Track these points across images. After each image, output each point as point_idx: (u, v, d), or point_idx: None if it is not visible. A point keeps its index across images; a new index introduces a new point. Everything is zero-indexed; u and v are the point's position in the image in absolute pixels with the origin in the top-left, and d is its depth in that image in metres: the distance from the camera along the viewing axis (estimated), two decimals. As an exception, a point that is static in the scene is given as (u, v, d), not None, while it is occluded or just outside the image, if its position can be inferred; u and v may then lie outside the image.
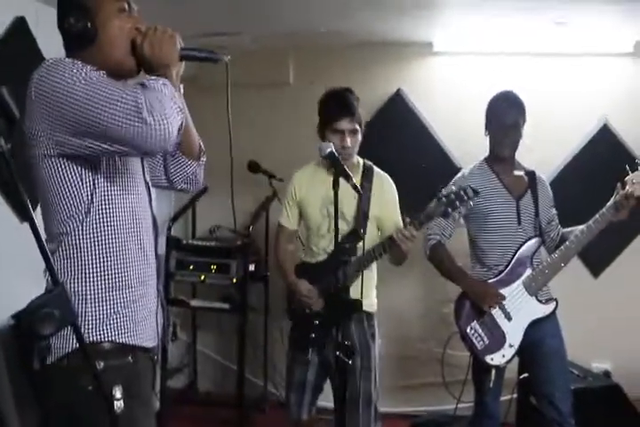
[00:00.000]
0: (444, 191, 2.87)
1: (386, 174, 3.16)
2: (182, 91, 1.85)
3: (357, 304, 2.92)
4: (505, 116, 3.11)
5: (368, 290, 2.99)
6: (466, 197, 2.82)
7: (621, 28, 3.89)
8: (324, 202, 3.03)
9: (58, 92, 1.62)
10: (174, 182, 2.06)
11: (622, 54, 4.24)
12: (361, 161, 3.15)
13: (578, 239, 3.03)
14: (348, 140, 2.97)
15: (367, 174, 3.09)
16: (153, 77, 1.71)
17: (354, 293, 2.96)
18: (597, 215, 3.00)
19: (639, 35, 4.05)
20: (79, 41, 1.77)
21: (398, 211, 3.12)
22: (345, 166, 2.60)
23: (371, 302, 3.08)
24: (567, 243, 3.05)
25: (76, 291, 1.73)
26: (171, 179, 2.05)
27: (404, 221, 2.88)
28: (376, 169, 3.15)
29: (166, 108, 1.62)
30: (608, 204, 2.99)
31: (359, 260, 2.95)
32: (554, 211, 3.29)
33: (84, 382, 1.64)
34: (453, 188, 2.87)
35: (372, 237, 3.03)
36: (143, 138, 1.60)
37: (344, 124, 2.97)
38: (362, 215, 3.01)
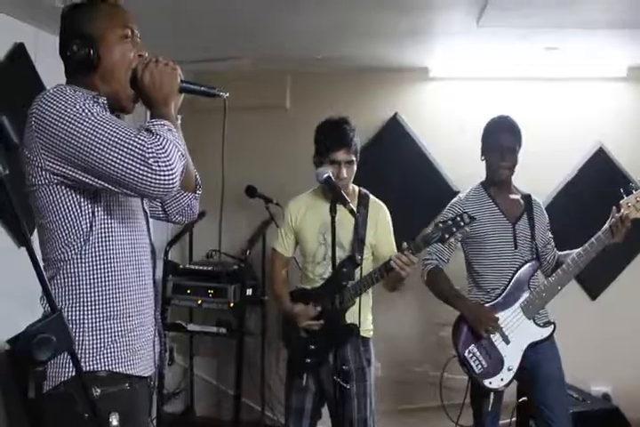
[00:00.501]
0: (440, 217, 2.91)
1: (381, 202, 3.18)
2: (180, 121, 1.85)
3: (354, 329, 2.92)
4: (502, 140, 3.15)
5: (364, 315, 2.98)
6: (462, 223, 2.84)
7: (614, 52, 3.94)
8: (320, 230, 3.05)
9: (58, 124, 1.61)
10: (169, 215, 2.07)
11: (615, 79, 4.29)
12: (356, 189, 3.17)
13: (574, 262, 3.04)
14: (344, 171, 2.98)
15: (363, 202, 3.10)
16: (157, 121, 1.70)
17: (350, 318, 2.95)
18: (593, 239, 3.01)
19: (632, 59, 4.10)
20: (81, 68, 1.77)
21: (393, 238, 3.14)
22: (342, 191, 2.62)
23: (367, 328, 3.08)
24: (564, 266, 3.06)
25: (74, 319, 1.71)
26: (166, 211, 2.06)
27: (401, 246, 2.88)
28: (371, 197, 3.16)
29: (171, 156, 1.62)
30: (604, 227, 3.00)
31: (356, 285, 2.95)
32: (550, 234, 3.30)
33: (79, 409, 1.62)
34: (450, 214, 2.91)
35: (367, 263, 3.04)
36: (147, 185, 1.60)
37: (340, 156, 2.98)
38: (358, 241, 3.02)
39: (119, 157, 1.58)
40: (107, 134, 1.59)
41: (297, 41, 3.82)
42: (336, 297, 2.91)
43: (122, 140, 1.59)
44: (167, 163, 1.60)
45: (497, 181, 3.21)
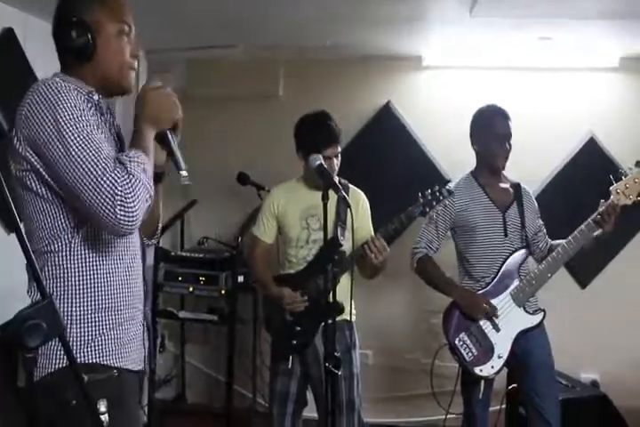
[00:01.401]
0: (420, 193, 2.97)
1: (361, 192, 3.26)
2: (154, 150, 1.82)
3: (339, 305, 2.94)
4: (500, 127, 3.16)
5: (345, 299, 3.01)
6: (441, 197, 2.94)
7: (606, 43, 3.94)
8: (302, 215, 3.12)
9: (45, 128, 1.61)
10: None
11: (608, 69, 4.29)
12: (336, 178, 3.19)
13: (564, 250, 3.06)
14: (335, 164, 3.06)
15: (344, 190, 3.14)
16: (135, 157, 1.67)
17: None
18: (582, 226, 3.03)
19: (624, 50, 4.11)
20: (76, 56, 1.76)
21: (371, 225, 3.21)
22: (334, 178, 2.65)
23: (348, 311, 3.09)
24: (554, 254, 3.08)
25: (62, 311, 1.70)
26: None
27: (377, 231, 3.00)
28: (352, 186, 3.24)
29: (138, 200, 1.61)
30: (593, 214, 3.01)
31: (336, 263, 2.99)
32: (540, 222, 3.32)
33: (67, 396, 1.62)
34: (429, 189, 2.96)
35: (348, 245, 3.05)
36: (106, 223, 1.61)
37: (330, 151, 3.04)
38: (340, 223, 3.08)
39: (89, 185, 1.58)
40: (87, 156, 1.60)
41: (290, 30, 3.80)
42: (320, 278, 2.93)
43: (97, 169, 1.59)
44: (132, 208, 1.60)
45: (495, 169, 3.21)
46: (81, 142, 1.60)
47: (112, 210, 1.58)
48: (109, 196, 1.58)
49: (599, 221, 2.99)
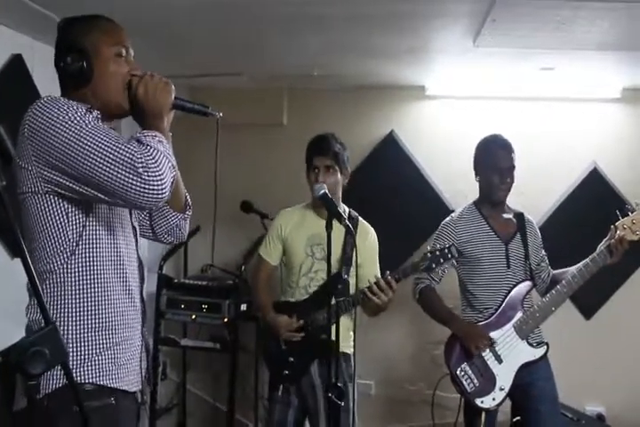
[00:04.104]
0: (429, 248, 3.02)
1: (370, 226, 3.24)
2: (171, 139, 1.86)
3: (332, 345, 2.92)
4: (502, 160, 3.15)
5: (344, 332, 2.99)
6: (449, 255, 2.94)
7: (609, 74, 3.98)
8: (308, 242, 3.10)
9: (50, 132, 1.63)
10: (158, 234, 2.06)
11: (610, 100, 4.33)
12: (347, 210, 3.21)
13: (569, 283, 3.05)
14: (321, 176, 3.05)
15: (352, 223, 3.11)
16: (148, 132, 1.71)
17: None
18: (588, 259, 3.03)
19: (626, 81, 4.14)
20: (75, 81, 1.78)
21: (377, 263, 3.19)
22: (338, 208, 2.66)
23: (348, 344, 3.07)
24: (558, 287, 3.06)
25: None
26: (155, 230, 2.05)
27: (383, 273, 2.96)
28: (361, 220, 3.23)
29: (161, 166, 1.63)
30: (600, 248, 3.02)
31: (336, 305, 2.97)
32: (543, 252, 3.31)
33: (62, 424, 1.62)
34: (438, 245, 3.01)
35: (353, 281, 3.05)
36: (136, 194, 1.61)
37: (318, 160, 3.07)
38: (345, 260, 3.06)
39: (108, 165, 1.59)
40: (97, 142, 1.61)
41: (295, 59, 3.84)
42: (320, 312, 2.96)
43: (111, 148, 1.60)
44: (157, 173, 1.61)
45: (496, 201, 3.21)
46: (88, 130, 1.62)
47: (138, 177, 1.59)
48: (130, 164, 1.59)
49: (606, 256, 3.00)
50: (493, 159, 3.17)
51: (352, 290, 3.01)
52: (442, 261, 2.94)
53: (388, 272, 2.94)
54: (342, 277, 3.04)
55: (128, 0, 2.74)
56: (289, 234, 3.18)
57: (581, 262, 3.05)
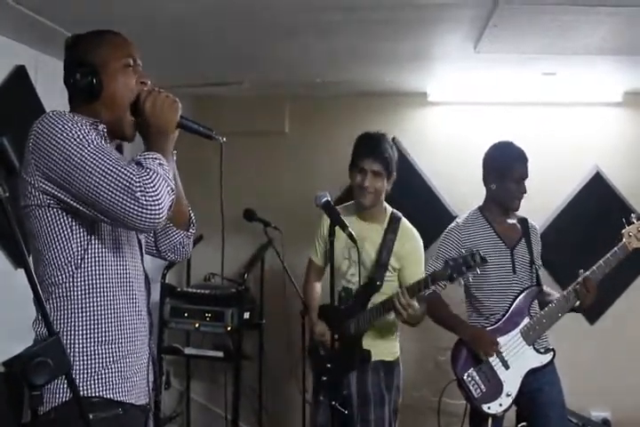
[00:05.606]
0: (451, 255, 2.91)
1: (413, 228, 3.13)
2: (175, 157, 1.86)
3: (367, 355, 2.89)
4: (519, 170, 3.13)
5: (383, 338, 2.98)
6: (473, 263, 2.73)
7: (610, 78, 3.98)
8: (346, 244, 2.94)
9: (52, 148, 1.63)
10: (162, 252, 2.05)
11: (612, 104, 4.34)
12: (389, 210, 3.14)
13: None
14: (367, 181, 2.97)
15: (393, 226, 3.07)
16: (149, 155, 1.71)
17: (367, 343, 2.97)
18: (594, 267, 3.02)
19: (628, 85, 4.15)
20: (83, 96, 1.78)
21: (420, 266, 3.09)
22: (341, 216, 2.63)
23: (388, 351, 3.05)
24: (564, 293, 3.06)
25: (65, 343, 1.65)
26: (159, 248, 2.04)
27: (401, 288, 2.87)
28: (403, 221, 3.12)
29: (159, 190, 1.62)
30: (605, 257, 3.01)
31: (367, 314, 2.96)
32: (540, 262, 3.28)
33: None
34: (463, 251, 2.88)
35: (391, 285, 3.02)
36: (132, 217, 1.61)
37: (367, 164, 2.97)
38: (380, 265, 3.00)
39: (107, 186, 1.59)
40: (97, 163, 1.61)
41: (296, 67, 3.84)
42: (351, 322, 2.93)
43: (110, 170, 1.60)
44: (154, 197, 1.61)
45: (512, 210, 3.19)
46: (90, 149, 1.62)
47: (135, 201, 1.59)
48: (127, 187, 1.58)
49: (612, 261, 3.00)
50: (511, 169, 3.13)
51: (390, 291, 2.93)
52: (464, 269, 2.73)
53: (402, 287, 2.86)
54: (376, 283, 2.99)
55: (132, 12, 2.75)
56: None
57: (589, 270, 3.03)
